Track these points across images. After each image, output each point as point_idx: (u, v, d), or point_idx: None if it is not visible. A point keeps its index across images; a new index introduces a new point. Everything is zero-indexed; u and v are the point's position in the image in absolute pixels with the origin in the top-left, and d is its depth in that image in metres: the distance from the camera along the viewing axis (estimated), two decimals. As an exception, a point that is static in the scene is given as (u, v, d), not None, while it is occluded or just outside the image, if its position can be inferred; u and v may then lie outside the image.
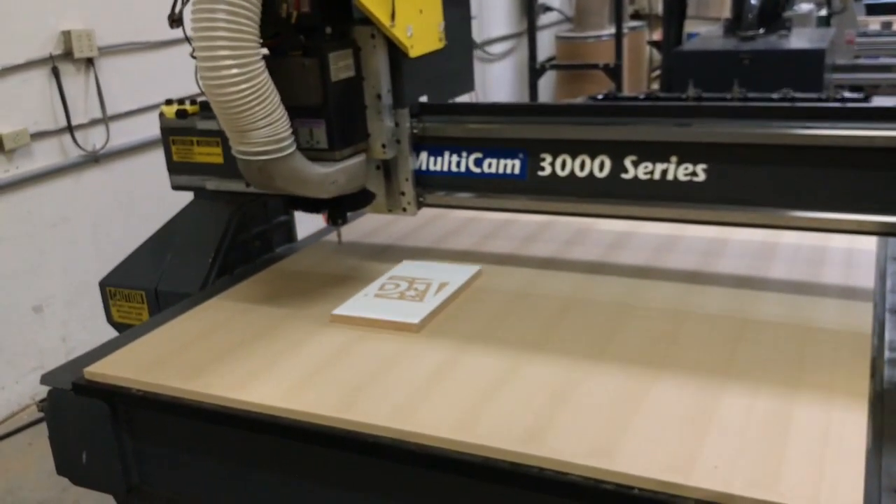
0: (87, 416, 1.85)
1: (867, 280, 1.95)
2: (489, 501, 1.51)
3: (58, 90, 3.98)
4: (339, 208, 2.09)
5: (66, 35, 3.98)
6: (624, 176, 1.90)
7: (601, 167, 1.92)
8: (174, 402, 1.71)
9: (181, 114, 2.38)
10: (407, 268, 2.20)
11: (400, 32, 1.92)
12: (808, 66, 4.48)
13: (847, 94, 3.65)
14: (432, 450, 1.47)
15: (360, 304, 2.00)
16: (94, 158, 4.19)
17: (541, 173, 1.99)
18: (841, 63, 5.57)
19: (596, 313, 1.88)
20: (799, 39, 4.88)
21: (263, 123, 1.76)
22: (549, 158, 1.98)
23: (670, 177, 1.86)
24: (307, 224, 2.67)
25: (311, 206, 2.06)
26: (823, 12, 6.05)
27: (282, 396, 1.64)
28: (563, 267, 2.16)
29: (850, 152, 1.70)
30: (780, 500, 1.23)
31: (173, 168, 2.45)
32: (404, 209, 2.12)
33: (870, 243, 2.13)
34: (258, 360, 1.80)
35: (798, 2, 5.77)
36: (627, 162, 1.90)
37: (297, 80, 1.84)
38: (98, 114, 4.20)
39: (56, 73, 3.96)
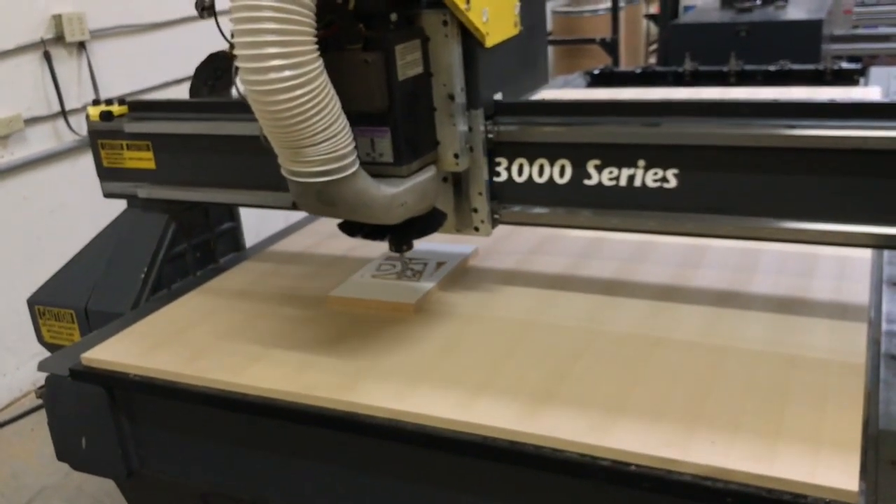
0: (86, 402, 1.86)
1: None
2: (489, 480, 1.52)
3: (50, 75, 3.96)
4: (406, 234, 1.75)
5: (57, 19, 3.94)
6: (587, 182, 1.70)
7: (561, 173, 1.72)
8: (172, 386, 1.72)
9: (106, 116, 2.20)
10: (403, 248, 2.18)
11: (476, 17, 1.60)
12: (806, 37, 4.45)
13: (844, 65, 3.64)
14: (431, 430, 1.47)
15: (357, 285, 1.99)
16: (89, 143, 4.17)
17: (496, 178, 1.78)
18: (839, 33, 5.54)
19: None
20: (796, 10, 4.84)
21: (322, 137, 1.43)
22: (504, 163, 1.76)
23: (638, 183, 1.66)
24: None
25: (374, 232, 1.70)
26: (821, -18, 5.99)
27: (281, 378, 1.64)
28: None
29: (840, 155, 1.50)
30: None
31: (104, 174, 2.29)
32: (476, 228, 1.79)
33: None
34: (256, 343, 1.80)
35: (795, -28, 5.71)
36: (590, 167, 1.69)
37: (357, 81, 1.50)
38: (91, 98, 4.17)
39: (48, 58, 3.93)
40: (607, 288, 1.89)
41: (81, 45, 4.09)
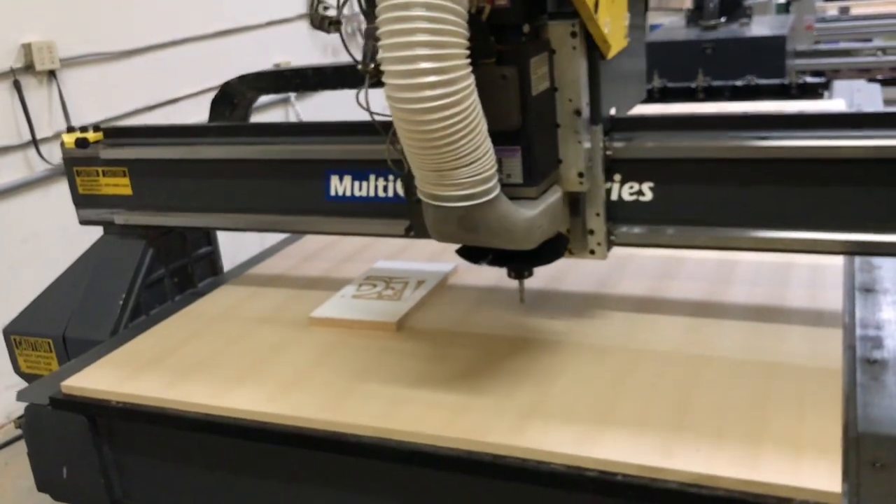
0: (67, 431, 1.84)
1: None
2: (475, 495, 1.52)
3: (20, 104, 3.93)
4: (532, 260, 1.66)
5: (27, 48, 3.92)
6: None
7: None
8: (155, 412, 1.70)
9: (82, 143, 2.19)
10: (383, 268, 2.20)
11: (602, 26, 1.53)
12: (770, 53, 4.54)
13: (809, 79, 3.73)
14: (417, 447, 1.47)
15: (338, 305, 2.00)
16: (62, 172, 4.14)
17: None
18: (802, 49, 5.65)
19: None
20: (760, 27, 4.94)
21: (469, 159, 1.33)
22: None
23: (615, 197, 1.69)
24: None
25: (500, 258, 1.61)
26: (783, 0, 6.13)
27: (265, 401, 1.64)
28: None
29: (812, 165, 1.54)
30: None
31: (79, 201, 2.28)
32: (592, 251, 1.70)
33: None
34: (239, 367, 1.79)
35: (757, -10, 5.84)
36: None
37: (491, 97, 1.39)
38: (63, 126, 4.15)
39: (18, 87, 3.91)
40: (585, 302, 1.91)
41: (52, 74, 4.07)
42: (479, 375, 1.65)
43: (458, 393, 1.59)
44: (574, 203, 1.69)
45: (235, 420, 1.63)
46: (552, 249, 1.64)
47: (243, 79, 2.34)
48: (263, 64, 4.29)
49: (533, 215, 1.48)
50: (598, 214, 1.68)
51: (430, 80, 1.24)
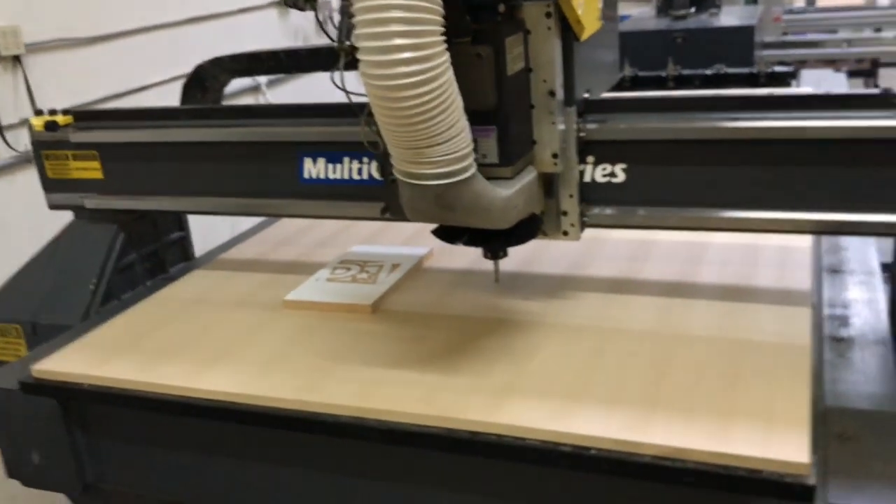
0: (38, 415, 1.82)
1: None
2: (453, 472, 1.53)
3: (-16, 90, 3.86)
4: (507, 240, 1.68)
5: (-9, 32, 3.85)
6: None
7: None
8: (128, 394, 1.69)
9: (51, 126, 2.16)
10: (358, 251, 2.20)
11: (576, 7, 1.55)
12: (739, 43, 4.59)
13: (777, 69, 3.78)
14: (395, 425, 1.48)
15: (313, 288, 1.99)
16: (28, 159, 4.07)
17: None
18: (770, 40, 5.72)
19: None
20: (729, 17, 5.00)
21: (446, 136, 1.34)
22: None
23: (588, 178, 1.71)
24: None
25: (476, 238, 1.63)
26: (751, -9, 6.19)
27: (241, 382, 1.64)
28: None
29: (779, 145, 1.57)
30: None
31: (48, 186, 2.25)
32: (565, 232, 1.73)
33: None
34: (213, 349, 1.78)
35: (726, -19, 5.89)
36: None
37: (466, 76, 1.40)
38: (29, 113, 4.07)
39: (-19, 73, 3.84)
40: (560, 283, 1.93)
41: (17, 59, 4.00)
42: (455, 355, 1.66)
43: (435, 373, 1.60)
44: (548, 184, 1.70)
45: (211, 402, 1.62)
46: (527, 230, 1.65)
47: (217, 61, 2.32)
48: (235, 51, 4.26)
49: (509, 194, 1.50)
50: (571, 196, 1.70)
51: (405, 57, 1.24)
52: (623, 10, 6.26)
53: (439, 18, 1.28)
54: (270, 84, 5.57)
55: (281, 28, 5.72)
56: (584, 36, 1.61)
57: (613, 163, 1.70)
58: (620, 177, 1.70)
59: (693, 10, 5.07)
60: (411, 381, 1.57)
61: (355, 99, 1.56)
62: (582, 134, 1.67)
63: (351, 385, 1.58)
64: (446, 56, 1.31)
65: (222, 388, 1.63)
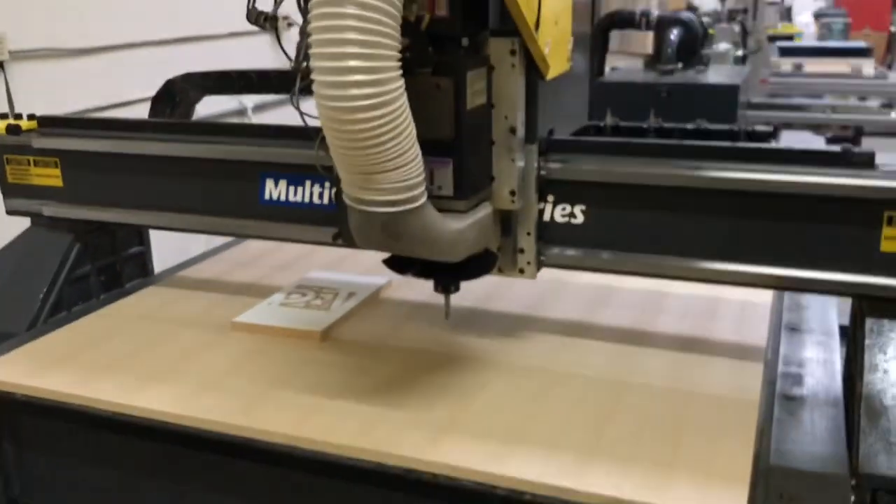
0: (-34, 424, 1.76)
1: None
2: (384, 510, 1.48)
3: (-36, 93, 3.83)
4: (458, 274, 1.66)
5: (-25, 37, 3.84)
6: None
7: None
8: (60, 407, 1.64)
9: (13, 129, 2.13)
10: (315, 277, 2.16)
11: (542, 45, 1.54)
12: (723, 101, 4.64)
13: (758, 127, 3.80)
14: (329, 457, 1.44)
15: (264, 312, 1.95)
16: (2, 166, 4.04)
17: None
18: (756, 101, 5.78)
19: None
20: (715, 75, 5.06)
21: (396, 163, 1.31)
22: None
23: (546, 217, 1.69)
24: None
25: (426, 270, 1.62)
26: (740, 52, 6.28)
27: (176, 402, 1.59)
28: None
29: (743, 197, 1.56)
30: None
31: (7, 191, 2.22)
32: (521, 270, 1.70)
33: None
34: (153, 367, 1.74)
35: (715, 41, 5.98)
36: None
37: (425, 106, 1.39)
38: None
39: (-38, 76, 3.82)
40: (516, 322, 1.90)
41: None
42: (398, 389, 1.62)
43: (374, 405, 1.55)
44: (505, 222, 1.68)
45: (142, 420, 1.57)
46: (480, 265, 1.63)
47: (187, 77, 2.31)
48: (221, 73, 4.26)
49: (460, 227, 1.47)
50: (528, 233, 1.68)
51: (358, 79, 1.22)
52: (613, 62, 6.35)
53: (395, 44, 1.27)
54: (256, 109, 5.57)
55: (272, 55, 5.74)
56: (550, 75, 1.61)
57: (573, 203, 1.68)
58: (580, 218, 1.68)
59: (680, 65, 5.13)
60: (350, 412, 1.53)
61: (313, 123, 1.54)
62: (543, 172, 1.66)
63: (288, 412, 1.54)
64: (401, 82, 1.28)
65: (156, 406, 1.58)
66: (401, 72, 1.28)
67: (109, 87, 4.55)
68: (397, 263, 1.61)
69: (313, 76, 1.26)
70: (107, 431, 1.64)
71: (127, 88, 4.61)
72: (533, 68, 1.58)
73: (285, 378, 1.67)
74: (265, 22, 1.52)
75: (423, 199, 1.39)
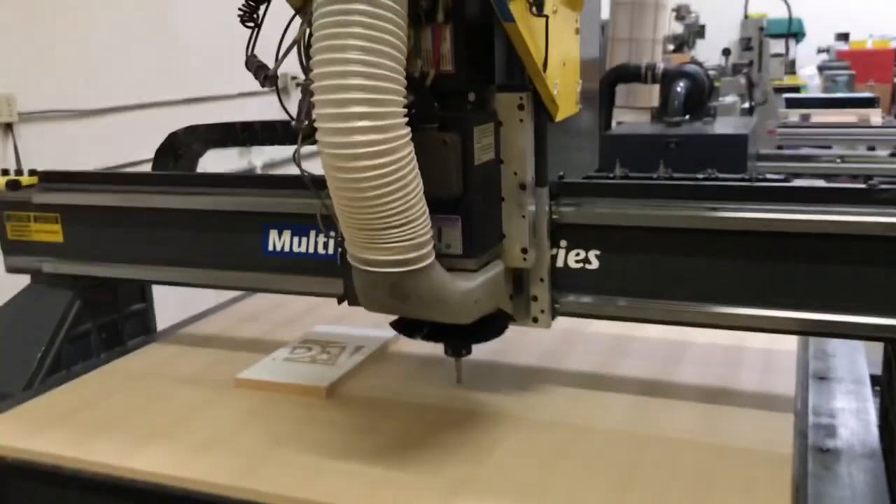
0: (-44, 490, 1.67)
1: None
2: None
3: (-28, 155, 3.84)
4: (469, 336, 1.60)
5: (-15, 99, 3.86)
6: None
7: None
8: (51, 470, 1.56)
9: (13, 185, 2.12)
10: (321, 331, 2.09)
11: (551, 86, 1.48)
12: (732, 151, 4.60)
13: (769, 175, 3.76)
14: (333, 520, 1.35)
15: (268, 367, 1.88)
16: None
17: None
18: (765, 152, 5.76)
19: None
20: (723, 126, 5.03)
21: (403, 219, 1.24)
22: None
23: (560, 264, 1.62)
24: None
25: (435, 332, 1.56)
26: (746, 105, 6.28)
27: (174, 463, 1.51)
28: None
29: (765, 238, 1.50)
30: None
31: (7, 248, 2.18)
32: (535, 319, 1.63)
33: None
34: (152, 426, 1.66)
35: (722, 93, 5.99)
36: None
37: (432, 163, 1.33)
38: (15, 180, 4.04)
39: (-30, 138, 3.83)
40: (530, 375, 1.82)
41: (8, 127, 3.99)
42: (407, 448, 1.53)
43: (383, 466, 1.47)
44: (517, 280, 1.62)
45: (139, 483, 1.49)
46: (492, 327, 1.57)
47: (191, 129, 2.28)
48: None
49: (470, 288, 1.40)
50: (542, 280, 1.61)
51: (362, 125, 1.17)
52: (619, 117, 6.36)
53: (401, 90, 1.22)
54: (265, 168, 5.58)
55: (282, 115, 5.77)
56: (559, 117, 1.55)
57: (587, 248, 1.61)
58: (594, 263, 1.61)
59: (687, 117, 5.12)
60: (356, 474, 1.44)
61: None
62: (555, 216, 1.59)
63: (292, 473, 1.45)
64: (406, 130, 1.23)
65: (154, 468, 1.50)
66: (406, 119, 1.23)
67: (118, 147, 4.56)
68: (405, 326, 1.55)
69: (317, 124, 1.21)
70: (101, 495, 1.55)
71: (135, 148, 4.60)
72: (542, 111, 1.53)
73: (289, 436, 1.59)
74: (265, 80, 1.47)
75: (432, 259, 1.32)
